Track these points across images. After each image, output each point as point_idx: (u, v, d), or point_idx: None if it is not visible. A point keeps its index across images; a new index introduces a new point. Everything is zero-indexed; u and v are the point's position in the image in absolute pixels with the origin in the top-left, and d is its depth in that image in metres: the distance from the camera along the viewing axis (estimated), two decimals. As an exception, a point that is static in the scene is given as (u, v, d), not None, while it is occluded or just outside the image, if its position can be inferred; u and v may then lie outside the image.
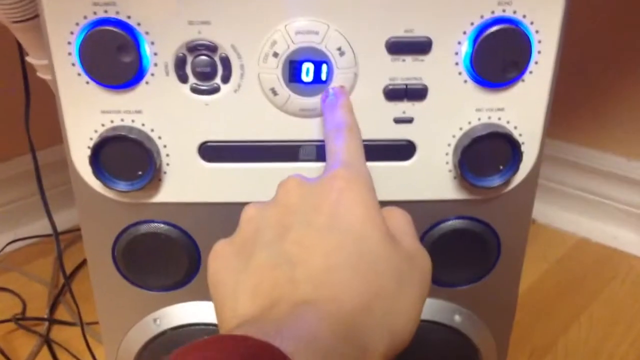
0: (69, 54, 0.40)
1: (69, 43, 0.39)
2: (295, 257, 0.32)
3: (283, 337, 0.27)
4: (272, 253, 0.33)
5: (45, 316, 0.81)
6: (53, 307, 0.83)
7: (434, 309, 0.51)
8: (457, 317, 0.51)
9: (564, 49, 0.41)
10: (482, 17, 0.40)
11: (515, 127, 0.43)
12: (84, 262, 0.90)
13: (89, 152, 0.42)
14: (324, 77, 0.41)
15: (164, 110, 0.42)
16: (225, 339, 0.27)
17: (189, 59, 0.40)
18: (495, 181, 0.44)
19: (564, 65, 0.42)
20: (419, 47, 0.41)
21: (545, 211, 1.07)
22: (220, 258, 0.35)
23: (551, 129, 0.44)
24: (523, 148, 0.44)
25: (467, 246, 0.48)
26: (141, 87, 0.41)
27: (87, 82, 0.40)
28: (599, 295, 0.89)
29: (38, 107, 0.60)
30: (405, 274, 0.33)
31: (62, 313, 0.83)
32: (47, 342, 0.78)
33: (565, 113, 1.03)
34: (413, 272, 0.33)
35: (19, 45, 0.54)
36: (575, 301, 0.88)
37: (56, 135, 0.43)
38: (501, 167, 0.44)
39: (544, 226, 1.06)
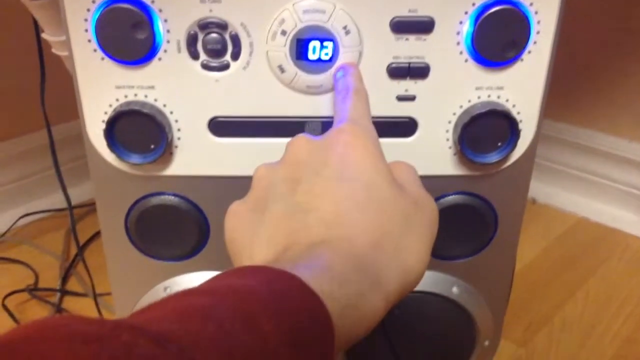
0: (86, 30, 0.41)
1: (85, 20, 0.41)
2: (307, 205, 0.34)
3: (299, 268, 0.28)
4: (285, 204, 0.34)
5: (58, 287, 0.83)
6: (65, 279, 0.86)
7: (433, 280, 0.53)
8: (455, 289, 0.53)
9: (567, 30, 0.42)
10: (483, -2, 0.41)
11: (514, 105, 0.45)
12: (94, 236, 0.92)
13: (103, 125, 0.43)
14: (329, 55, 0.42)
15: (175, 86, 0.43)
16: (247, 268, 0.29)
17: (200, 36, 0.42)
18: (494, 157, 0.46)
19: (566, 47, 0.44)
20: (422, 26, 0.42)
21: (546, 191, 1.08)
22: (236, 216, 0.37)
23: (553, 110, 0.46)
24: (521, 126, 0.45)
25: (465, 220, 0.50)
26: (154, 64, 0.42)
27: (103, 58, 0.42)
28: (596, 272, 0.90)
29: (53, 83, 0.61)
30: (412, 215, 0.34)
31: (73, 285, 0.85)
32: (60, 311, 0.80)
33: (566, 95, 1.03)
34: (419, 214, 0.35)
35: (35, 22, 0.55)
36: (572, 278, 0.89)
37: (70, 111, 0.45)
38: (499, 144, 0.45)
39: (544, 206, 1.07)
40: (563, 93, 1.02)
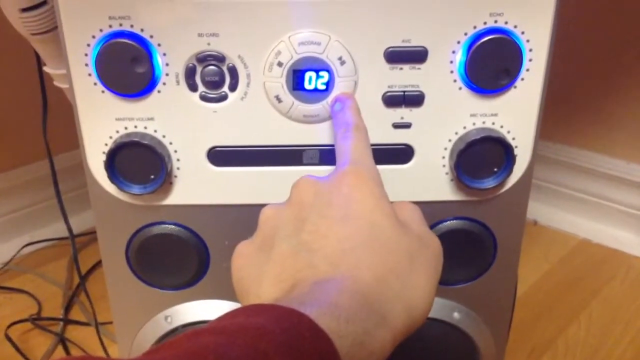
0: (86, 64, 0.42)
1: (86, 55, 0.42)
2: (313, 244, 0.34)
3: (306, 307, 0.29)
4: (291, 243, 0.35)
5: (61, 316, 0.83)
6: (68, 308, 0.86)
7: (434, 306, 0.52)
8: (456, 315, 0.53)
9: (561, 52, 0.43)
10: (475, 27, 0.42)
11: (509, 132, 0.45)
12: (97, 265, 0.92)
13: (104, 157, 0.44)
14: (325, 85, 0.43)
15: (174, 117, 0.44)
16: (256, 306, 0.29)
17: (199, 69, 0.43)
18: (490, 183, 0.46)
19: (561, 69, 0.44)
20: (416, 56, 0.43)
21: (547, 213, 1.08)
22: (243, 256, 0.38)
23: (552, 132, 0.46)
24: (516, 151, 0.45)
25: (464, 245, 0.50)
26: (153, 96, 0.43)
27: (103, 92, 0.43)
28: (599, 294, 0.90)
29: (54, 114, 0.62)
30: (417, 253, 0.35)
31: (76, 314, 0.85)
32: (62, 341, 0.80)
33: (565, 116, 1.04)
34: (424, 251, 0.36)
35: (37, 56, 0.56)
36: (575, 300, 0.89)
37: (71, 141, 0.45)
38: (495, 170, 0.46)
39: (545, 227, 1.07)
40: (562, 115, 1.03)
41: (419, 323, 0.34)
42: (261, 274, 0.35)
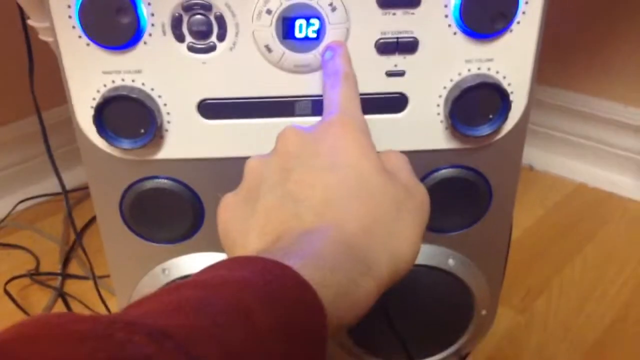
0: (69, 17, 0.41)
1: (69, 6, 0.40)
2: (298, 195, 0.34)
3: (290, 258, 0.29)
4: (277, 194, 0.35)
5: (58, 271, 0.84)
6: (65, 263, 0.86)
7: (429, 253, 0.53)
8: (450, 261, 0.53)
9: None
10: (470, -31, 0.41)
11: (504, 77, 0.44)
12: (93, 219, 0.92)
13: (92, 112, 0.43)
14: (316, 33, 0.42)
15: (162, 70, 0.43)
16: (238, 259, 0.29)
17: (185, 18, 0.41)
18: (485, 130, 0.45)
19: (561, 13, 0.43)
20: (409, 0, 0.41)
21: (543, 158, 1.08)
22: (229, 208, 0.37)
23: (548, 76, 0.46)
24: (512, 97, 0.45)
25: (459, 193, 0.50)
26: (140, 47, 0.42)
27: (88, 44, 0.42)
28: (594, 237, 0.91)
29: (41, 69, 0.61)
30: (403, 202, 0.35)
31: (74, 268, 0.86)
32: (62, 295, 0.81)
33: (562, 60, 1.03)
34: (410, 200, 0.35)
35: (20, 9, 0.54)
36: (570, 243, 0.90)
37: (59, 96, 0.45)
38: (491, 116, 0.45)
39: (542, 173, 1.07)
40: (557, 59, 1.02)
41: (404, 272, 0.34)
42: (247, 226, 0.35)
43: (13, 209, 0.97)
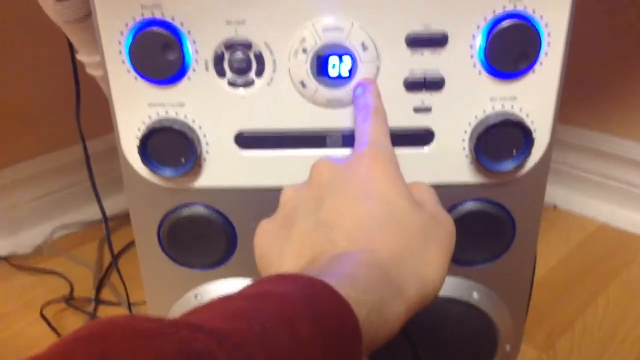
0: (120, 52, 0.44)
1: (119, 42, 0.44)
2: (331, 222, 0.36)
3: (326, 277, 0.30)
4: (311, 221, 0.37)
5: (92, 297, 0.86)
6: (99, 289, 0.89)
7: (453, 286, 0.54)
8: (475, 294, 0.54)
9: (581, 35, 0.43)
10: (494, 12, 0.43)
11: (527, 115, 0.46)
12: (126, 247, 0.95)
13: (137, 141, 0.46)
14: (348, 70, 0.44)
15: (204, 103, 0.46)
16: (280, 275, 0.31)
17: (227, 55, 0.44)
18: (509, 165, 0.47)
19: (581, 53, 0.45)
20: (436, 41, 0.44)
21: (566, 197, 1.08)
22: (265, 234, 0.40)
23: (571, 115, 0.47)
24: (535, 134, 0.46)
25: (483, 227, 0.51)
26: (184, 82, 0.45)
27: (136, 78, 0.45)
28: (617, 277, 0.90)
29: (87, 100, 0.64)
30: (430, 230, 0.36)
31: (107, 294, 0.88)
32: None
33: (585, 100, 1.04)
34: (437, 229, 0.37)
35: (70, 44, 0.58)
36: (593, 283, 0.89)
37: (101, 127, 0.48)
38: (514, 152, 0.47)
39: (565, 212, 1.07)
40: (581, 99, 1.03)
41: (432, 297, 0.35)
42: (282, 251, 0.37)
43: (50, 235, 1.00)
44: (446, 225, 0.38)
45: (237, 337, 0.24)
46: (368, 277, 0.32)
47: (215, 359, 0.23)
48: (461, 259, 0.53)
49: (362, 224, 0.35)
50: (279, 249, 0.37)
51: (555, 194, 1.08)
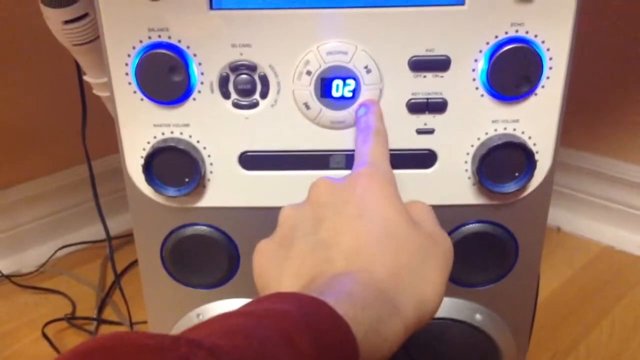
0: (126, 74, 0.44)
1: (126, 64, 0.44)
2: (329, 241, 0.36)
3: (324, 296, 0.31)
4: (309, 241, 0.37)
5: (94, 316, 0.86)
6: (101, 308, 0.89)
7: (456, 307, 0.54)
8: (478, 316, 0.54)
9: (583, 58, 0.44)
10: (496, 37, 0.43)
11: (530, 137, 0.47)
12: (129, 267, 0.95)
13: (142, 161, 0.46)
14: (352, 92, 0.45)
15: (208, 124, 0.46)
16: (279, 294, 0.32)
17: (232, 77, 0.45)
18: (512, 187, 0.47)
19: (585, 77, 0.45)
20: (439, 64, 0.44)
21: (570, 220, 1.08)
22: (263, 253, 0.40)
23: (574, 139, 0.47)
24: (537, 156, 0.47)
25: (486, 248, 0.51)
26: (189, 103, 0.45)
27: (142, 99, 0.45)
28: (621, 301, 0.90)
29: (93, 121, 0.65)
30: (428, 250, 0.37)
31: (109, 314, 0.88)
32: (96, 340, 0.83)
33: (587, 123, 1.04)
34: (435, 249, 0.37)
35: (77, 65, 0.59)
36: (597, 306, 0.89)
37: (105, 147, 0.48)
38: (517, 174, 0.47)
39: (568, 234, 1.07)
40: (583, 122, 1.03)
41: (430, 316, 0.35)
42: (281, 270, 0.37)
43: (53, 254, 1.00)
44: (444, 245, 0.38)
45: (235, 352, 0.24)
46: (366, 296, 0.32)
47: None
48: (464, 281, 0.53)
49: (360, 243, 0.36)
50: (278, 268, 0.37)
51: (559, 216, 1.08)
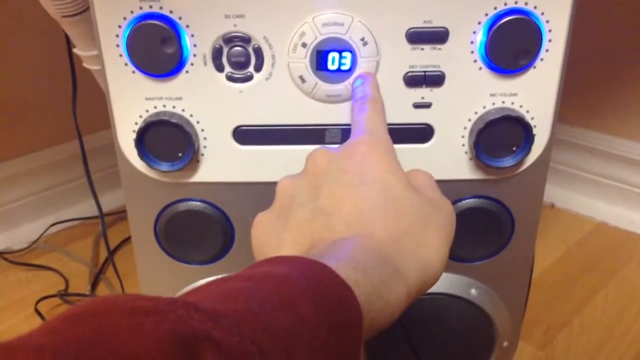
0: (117, 45, 0.43)
1: (117, 36, 0.43)
2: (328, 208, 0.36)
3: (325, 260, 0.30)
4: (308, 209, 0.37)
5: (87, 292, 0.86)
6: (94, 284, 0.88)
7: (451, 282, 0.54)
8: (473, 291, 0.54)
9: (581, 34, 0.43)
10: (495, 8, 0.43)
11: (528, 111, 0.46)
12: (122, 243, 0.94)
13: (134, 135, 0.45)
14: (348, 65, 0.44)
15: (202, 97, 0.45)
16: (280, 257, 0.31)
17: (225, 49, 0.44)
18: (509, 162, 0.47)
19: (582, 53, 0.45)
20: (437, 36, 0.44)
21: (564, 196, 1.08)
22: (262, 225, 0.39)
23: (570, 115, 0.47)
24: (535, 131, 0.46)
25: (482, 223, 0.51)
26: (182, 76, 0.45)
27: (133, 72, 0.44)
28: (614, 276, 0.91)
29: (83, 95, 0.64)
30: (429, 215, 0.36)
31: (102, 290, 0.88)
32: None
33: (583, 100, 1.04)
34: (437, 214, 0.37)
35: (67, 38, 0.58)
36: (591, 281, 0.90)
37: (97, 123, 0.47)
38: (514, 149, 0.47)
39: (563, 211, 1.08)
40: (579, 98, 1.03)
41: (433, 281, 0.35)
42: (280, 241, 0.37)
43: (45, 231, 1.00)
44: (445, 210, 0.38)
45: (233, 316, 0.24)
46: (367, 260, 0.32)
47: (210, 338, 0.22)
48: (459, 256, 0.53)
49: (359, 209, 0.35)
50: (277, 239, 0.37)
51: (553, 192, 1.08)
